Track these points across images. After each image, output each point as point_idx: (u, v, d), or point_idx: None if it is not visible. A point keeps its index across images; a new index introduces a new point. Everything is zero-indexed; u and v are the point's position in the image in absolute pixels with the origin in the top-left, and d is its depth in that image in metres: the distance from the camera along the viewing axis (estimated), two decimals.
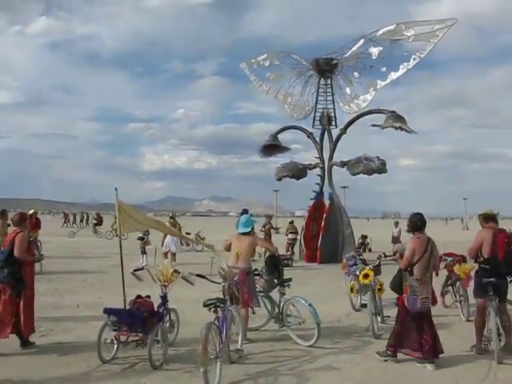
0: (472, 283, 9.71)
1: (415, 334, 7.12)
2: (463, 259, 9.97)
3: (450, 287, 10.44)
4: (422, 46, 19.22)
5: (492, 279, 7.42)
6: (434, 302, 7.97)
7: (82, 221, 52.93)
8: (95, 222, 38.69)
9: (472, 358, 7.41)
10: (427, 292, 7.16)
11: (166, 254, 17.89)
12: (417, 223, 7.42)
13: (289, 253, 20.96)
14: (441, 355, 7.12)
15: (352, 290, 9.39)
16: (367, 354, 7.62)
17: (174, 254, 17.84)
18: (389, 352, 7.26)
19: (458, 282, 10.11)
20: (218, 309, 6.56)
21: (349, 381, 6.46)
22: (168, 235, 17.04)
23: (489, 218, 8.01)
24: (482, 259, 7.74)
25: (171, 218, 20.19)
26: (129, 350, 7.06)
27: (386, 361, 7.21)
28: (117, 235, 8.85)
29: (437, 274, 7.62)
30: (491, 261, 7.55)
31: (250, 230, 8.51)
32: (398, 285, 7.38)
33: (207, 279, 7.32)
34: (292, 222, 23.21)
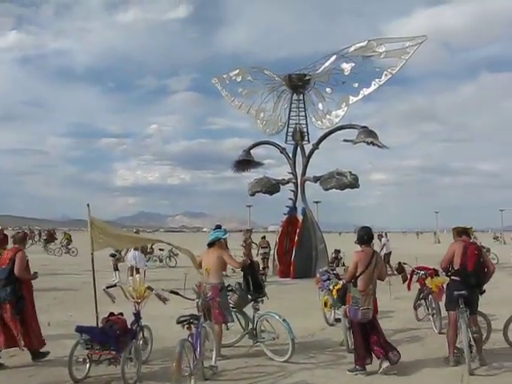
0: (444, 296, 9.91)
1: (366, 344, 7.42)
2: (435, 273, 10.08)
3: (423, 300, 10.54)
4: (394, 63, 19.50)
5: (463, 292, 7.58)
6: (376, 312, 8.09)
7: (31, 238, 51.84)
8: (45, 238, 38.30)
9: (445, 370, 7.49)
10: (369, 303, 7.39)
11: (132, 270, 17.49)
12: (363, 237, 7.70)
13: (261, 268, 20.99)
14: (413, 367, 7.19)
15: (326, 304, 9.42)
16: (342, 368, 7.64)
17: (138, 270, 17.40)
18: (357, 367, 7.36)
19: (430, 296, 10.21)
20: (192, 325, 6.54)
21: None
22: (130, 250, 16.93)
23: (462, 232, 8.20)
24: (452, 271, 7.91)
25: (135, 233, 20.15)
26: (101, 369, 6.95)
27: (356, 375, 7.28)
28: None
29: (382, 279, 7.98)
30: (461, 272, 7.72)
31: (213, 240, 8.51)
32: (342, 296, 7.89)
33: (180, 296, 7.27)
34: (264, 237, 23.28)
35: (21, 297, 7.68)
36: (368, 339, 7.43)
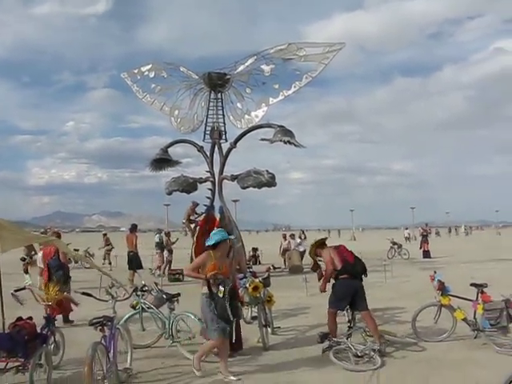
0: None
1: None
2: None
3: None
4: (314, 67, 19.74)
5: (356, 284, 8.39)
6: (238, 300, 8.49)
7: None
8: None
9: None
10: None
11: (42, 270, 16.88)
12: None
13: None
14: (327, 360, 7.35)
15: (242, 302, 9.44)
16: (258, 365, 7.70)
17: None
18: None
19: None
20: (105, 327, 6.37)
21: None
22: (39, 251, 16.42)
23: (322, 244, 9.00)
24: (337, 271, 8.46)
25: (43, 233, 19.67)
26: (8, 377, 6.52)
27: None
28: None
29: (242, 271, 8.75)
30: (346, 267, 8.36)
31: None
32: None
33: (93, 297, 7.09)
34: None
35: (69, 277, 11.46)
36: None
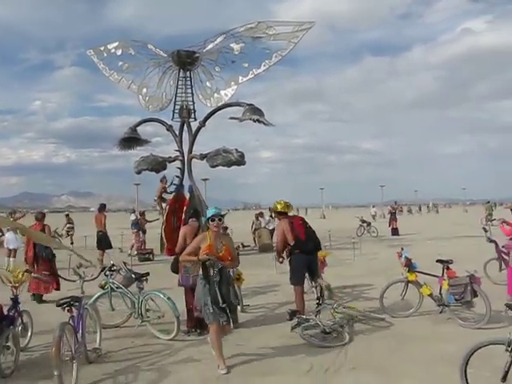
0: (326, 268, 10.38)
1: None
2: None
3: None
4: (283, 45, 19.64)
5: (309, 259, 8.85)
6: None
7: None
8: None
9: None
10: (198, 271, 7.94)
11: (9, 252, 16.66)
12: (191, 213, 8.95)
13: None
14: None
15: None
16: (227, 342, 7.71)
17: (15, 251, 16.61)
18: (191, 329, 8.28)
19: None
20: (73, 308, 6.33)
21: (209, 371, 6.53)
22: (8, 231, 16.31)
23: (281, 213, 9.29)
24: (290, 247, 8.84)
25: (11, 214, 19.55)
26: None
27: (189, 335, 8.13)
28: None
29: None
30: (298, 244, 8.71)
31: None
32: (175, 266, 8.63)
33: (62, 278, 7.05)
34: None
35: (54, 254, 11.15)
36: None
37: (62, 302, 6.26)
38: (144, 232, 22.20)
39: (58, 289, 10.44)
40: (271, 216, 25.37)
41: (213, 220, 6.72)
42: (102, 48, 23.30)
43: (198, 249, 6.70)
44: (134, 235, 22.00)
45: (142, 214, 24.53)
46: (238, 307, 9.13)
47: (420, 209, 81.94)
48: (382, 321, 8.68)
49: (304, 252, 8.76)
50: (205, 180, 43.92)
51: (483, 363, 5.37)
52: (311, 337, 7.63)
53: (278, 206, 9.38)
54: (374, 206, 46.08)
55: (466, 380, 5.04)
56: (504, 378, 4.67)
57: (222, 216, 6.87)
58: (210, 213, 6.79)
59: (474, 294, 8.31)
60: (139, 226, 22.20)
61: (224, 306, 6.48)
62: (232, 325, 6.73)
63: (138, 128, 21.85)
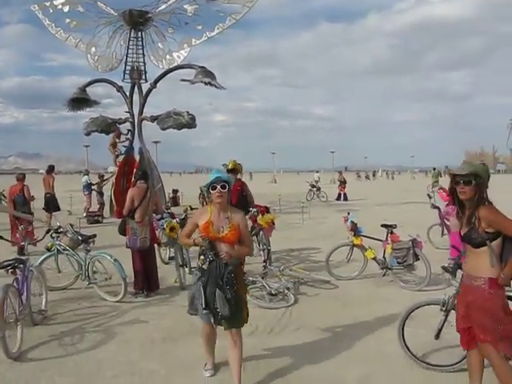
0: (274, 232, 10.51)
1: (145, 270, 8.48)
2: (266, 210, 10.53)
3: (255, 237, 10.98)
4: (238, 9, 19.45)
5: None
6: (155, 241, 9.10)
7: None
8: None
9: None
10: (146, 233, 8.42)
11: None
12: (139, 174, 8.83)
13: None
14: None
15: (159, 244, 9.51)
16: (175, 304, 7.83)
17: None
18: (137, 291, 8.42)
19: (261, 232, 10.65)
20: (17, 270, 6.25)
21: (156, 331, 6.59)
22: None
23: (230, 170, 9.45)
24: None
25: None
26: None
27: (136, 298, 8.25)
28: None
29: (158, 212, 9.06)
30: None
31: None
32: (122, 228, 8.60)
33: (5, 240, 6.94)
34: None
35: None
36: (146, 266, 8.47)
37: (5, 263, 6.18)
38: (101, 194, 22.01)
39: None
40: None
41: (214, 188, 4.78)
42: (48, 3, 22.50)
43: (196, 226, 4.96)
44: (86, 197, 21.77)
45: (101, 176, 24.03)
46: (186, 269, 9.20)
47: (374, 175, 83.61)
48: (327, 283, 8.89)
49: None
50: (156, 143, 43.55)
51: (420, 322, 5.60)
52: (257, 298, 7.76)
53: (229, 165, 9.68)
54: (317, 172, 46.42)
55: (403, 337, 5.27)
56: (437, 336, 4.94)
57: (227, 182, 4.84)
58: (210, 178, 4.84)
59: (416, 257, 8.60)
60: (91, 188, 21.96)
61: (205, 312, 4.73)
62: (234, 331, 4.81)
63: (89, 89, 21.36)
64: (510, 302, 4.34)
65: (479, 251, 3.97)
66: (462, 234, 4.08)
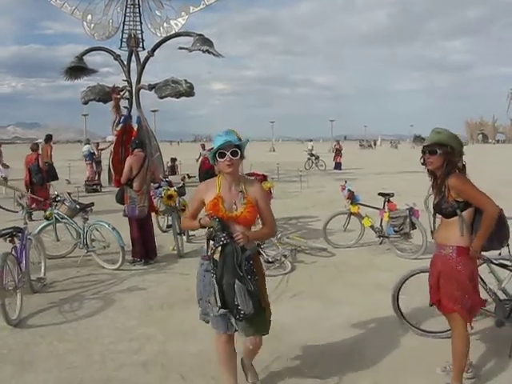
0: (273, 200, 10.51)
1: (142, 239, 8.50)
2: (264, 178, 10.54)
3: None
4: None
5: None
6: (153, 209, 9.13)
7: None
8: None
9: None
10: (144, 201, 8.48)
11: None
12: (136, 143, 9.05)
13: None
14: None
15: (156, 212, 9.55)
16: (172, 272, 7.91)
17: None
18: (135, 259, 8.43)
19: None
20: (15, 238, 6.29)
21: (153, 299, 6.66)
22: None
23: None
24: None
25: None
26: None
27: (134, 265, 8.30)
28: None
29: (156, 181, 9.22)
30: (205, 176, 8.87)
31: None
32: (120, 197, 8.69)
33: (2, 208, 6.96)
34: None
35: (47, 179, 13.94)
36: (144, 234, 8.50)
37: (3, 232, 6.21)
38: (99, 163, 22.01)
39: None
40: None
41: (222, 155, 3.65)
42: None
43: (201, 204, 3.84)
44: (88, 166, 21.78)
45: (97, 145, 24.02)
46: (184, 237, 9.25)
47: (375, 144, 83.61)
48: (324, 251, 8.94)
49: None
50: (154, 111, 43.29)
51: (415, 290, 5.65)
52: None
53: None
54: (311, 140, 46.18)
55: (398, 305, 5.32)
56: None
57: (239, 147, 3.67)
58: (215, 144, 3.67)
59: (413, 226, 8.63)
60: (93, 157, 21.95)
61: (222, 312, 3.58)
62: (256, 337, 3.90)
63: (87, 57, 21.22)
64: (502, 269, 4.38)
65: (450, 221, 3.93)
66: (433, 204, 4.05)
